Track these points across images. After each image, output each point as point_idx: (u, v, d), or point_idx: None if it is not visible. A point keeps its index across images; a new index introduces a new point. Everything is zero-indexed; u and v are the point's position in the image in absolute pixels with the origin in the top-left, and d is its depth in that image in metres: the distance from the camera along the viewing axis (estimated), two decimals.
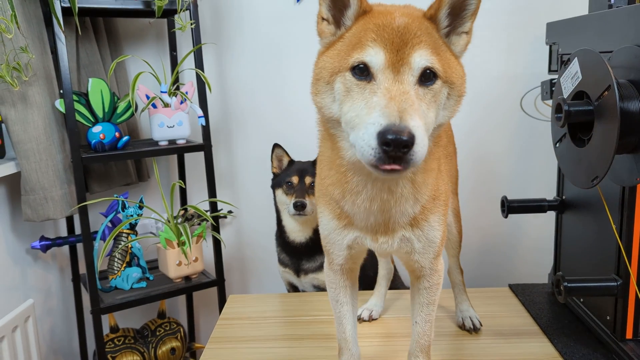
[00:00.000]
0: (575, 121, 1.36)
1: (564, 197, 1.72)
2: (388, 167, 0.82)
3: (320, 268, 1.94)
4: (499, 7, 2.31)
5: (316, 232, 1.92)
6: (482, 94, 2.35)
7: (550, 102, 1.70)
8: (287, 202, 1.92)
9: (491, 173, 2.45)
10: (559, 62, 1.63)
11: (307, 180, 1.91)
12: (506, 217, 1.75)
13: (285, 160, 2.00)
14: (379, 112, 0.82)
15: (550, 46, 1.70)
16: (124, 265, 2.09)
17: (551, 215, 1.81)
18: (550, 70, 1.72)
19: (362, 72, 0.90)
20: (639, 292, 1.37)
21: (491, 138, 2.41)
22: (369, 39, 0.90)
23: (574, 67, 1.38)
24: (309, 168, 1.93)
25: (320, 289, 1.97)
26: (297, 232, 1.95)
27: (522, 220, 2.43)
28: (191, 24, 2.00)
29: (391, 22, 0.91)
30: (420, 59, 0.89)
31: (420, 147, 0.81)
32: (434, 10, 0.96)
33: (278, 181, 1.98)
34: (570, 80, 1.40)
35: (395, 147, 0.79)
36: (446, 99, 0.96)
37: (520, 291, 1.83)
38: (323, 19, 1.01)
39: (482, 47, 2.33)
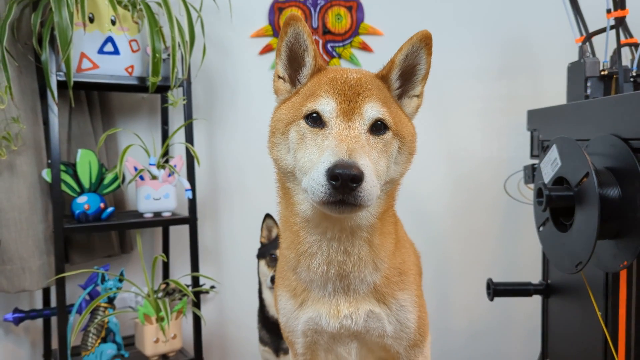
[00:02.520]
0: (556, 206, 1.39)
1: (549, 281, 1.71)
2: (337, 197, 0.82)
3: None
4: (481, 94, 2.41)
5: None
6: (466, 176, 2.39)
7: (532, 185, 1.72)
8: (267, 274, 1.90)
9: (477, 255, 2.44)
10: (539, 148, 1.68)
11: None
12: (492, 300, 1.72)
13: (275, 232, 1.99)
14: (329, 152, 0.85)
15: (532, 132, 1.76)
16: (99, 341, 2.00)
17: (539, 298, 1.79)
18: (532, 155, 1.76)
19: (315, 120, 0.94)
20: None
21: (476, 220, 2.43)
22: (322, 90, 0.95)
23: (553, 153, 1.42)
24: None
25: None
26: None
27: (509, 303, 2.40)
28: (183, 100, 2.05)
29: (344, 77, 0.97)
30: (372, 110, 0.93)
31: (370, 186, 0.83)
32: (386, 72, 1.02)
33: (263, 252, 1.96)
34: (550, 166, 1.44)
35: (343, 182, 0.80)
36: (397, 153, 0.99)
37: None
38: (279, 77, 1.07)
39: (466, 131, 2.40)
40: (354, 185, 0.81)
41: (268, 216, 1.99)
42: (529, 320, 2.24)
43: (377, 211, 1.01)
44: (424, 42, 0.99)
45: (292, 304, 1.09)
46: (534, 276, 1.80)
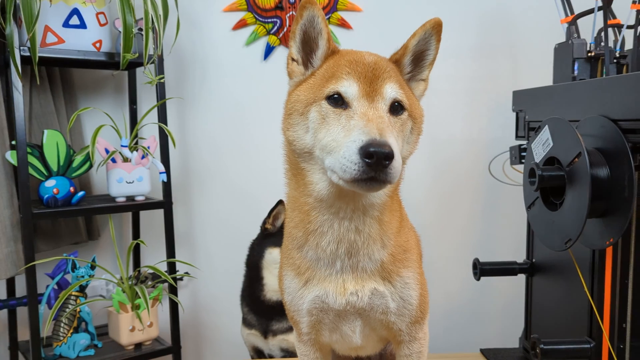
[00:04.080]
0: (548, 185, 1.41)
1: (534, 260, 1.75)
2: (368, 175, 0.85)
3: (291, 329, 1.83)
4: (462, 74, 2.40)
5: None
6: (448, 158, 2.41)
7: (518, 167, 1.75)
8: None
9: (460, 236, 2.48)
10: (526, 129, 1.70)
11: None
12: (478, 279, 1.75)
13: (281, 220, 1.89)
14: (359, 131, 0.87)
15: (517, 113, 1.78)
16: (71, 331, 1.92)
17: (520, 278, 1.83)
18: (517, 136, 1.78)
19: (337, 101, 0.95)
20: (614, 353, 1.39)
21: (459, 202, 2.46)
22: (343, 72, 0.97)
23: (545, 134, 1.44)
24: None
25: (289, 352, 1.87)
26: (277, 291, 1.84)
27: (491, 283, 2.44)
28: (160, 79, 1.95)
29: (362, 59, 0.99)
30: (391, 90, 0.97)
31: (398, 164, 0.86)
32: (399, 56, 1.06)
33: (276, 240, 1.84)
34: (541, 146, 1.46)
35: (377, 159, 0.83)
36: (410, 133, 1.03)
37: (492, 356, 1.82)
38: (293, 59, 1.07)
39: (447, 112, 2.41)
40: (387, 162, 0.84)
41: (281, 202, 1.86)
42: (511, 299, 2.29)
43: (390, 189, 1.04)
44: (436, 29, 1.05)
45: (297, 282, 1.09)
46: (516, 256, 1.84)
